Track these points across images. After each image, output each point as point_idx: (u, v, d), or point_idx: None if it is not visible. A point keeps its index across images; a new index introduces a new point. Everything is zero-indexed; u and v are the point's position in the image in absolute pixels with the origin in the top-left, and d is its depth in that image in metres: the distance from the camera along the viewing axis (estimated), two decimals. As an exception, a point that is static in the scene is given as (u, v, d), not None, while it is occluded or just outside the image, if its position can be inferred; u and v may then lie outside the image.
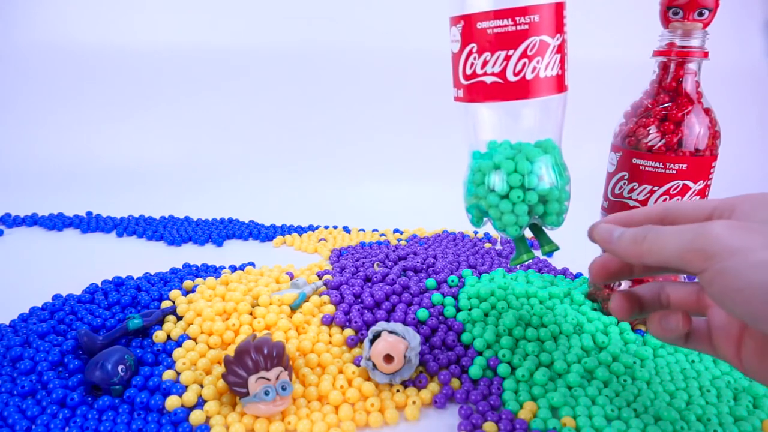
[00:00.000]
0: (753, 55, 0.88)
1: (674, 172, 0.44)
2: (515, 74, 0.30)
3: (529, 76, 0.30)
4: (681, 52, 0.43)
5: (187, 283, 0.47)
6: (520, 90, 0.31)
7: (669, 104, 0.44)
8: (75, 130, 0.92)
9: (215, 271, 0.53)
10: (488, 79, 0.31)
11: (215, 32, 0.93)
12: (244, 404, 0.32)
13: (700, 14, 0.42)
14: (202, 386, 0.35)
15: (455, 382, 0.37)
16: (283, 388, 0.32)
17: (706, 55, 0.43)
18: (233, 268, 0.54)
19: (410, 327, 0.40)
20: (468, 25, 0.30)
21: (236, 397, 0.34)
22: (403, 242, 0.64)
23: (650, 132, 0.44)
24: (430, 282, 0.47)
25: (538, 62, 0.30)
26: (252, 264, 0.55)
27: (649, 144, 0.44)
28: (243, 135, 0.94)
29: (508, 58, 0.30)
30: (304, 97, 0.93)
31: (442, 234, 0.67)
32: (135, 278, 0.50)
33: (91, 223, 0.68)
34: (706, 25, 0.42)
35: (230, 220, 0.72)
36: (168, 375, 0.36)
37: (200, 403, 0.34)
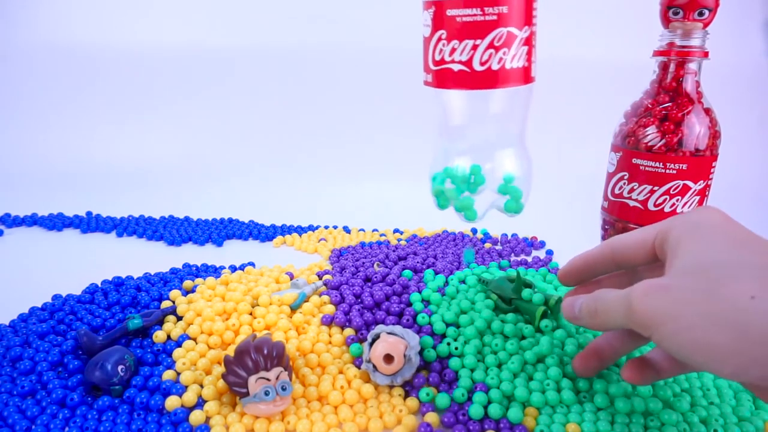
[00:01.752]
0: (753, 55, 0.88)
1: (674, 172, 0.44)
2: (482, 64, 0.30)
3: (495, 67, 0.30)
4: (681, 52, 0.43)
5: (187, 283, 0.47)
6: (486, 79, 0.31)
7: (669, 104, 0.44)
8: (75, 130, 0.92)
9: (215, 271, 0.53)
10: (455, 67, 0.31)
11: (214, 32, 0.93)
12: (244, 404, 0.32)
13: (701, 14, 0.42)
14: (202, 386, 0.35)
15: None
16: (283, 389, 0.32)
17: (706, 55, 0.43)
18: (233, 268, 0.54)
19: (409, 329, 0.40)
20: (438, 11, 0.31)
21: (236, 397, 0.34)
22: (403, 242, 0.64)
23: (650, 132, 0.44)
24: (428, 274, 0.47)
25: (504, 53, 0.30)
26: (252, 264, 0.55)
27: (649, 144, 0.44)
28: (243, 135, 0.94)
29: (475, 47, 0.30)
30: (304, 96, 0.93)
31: (442, 234, 0.67)
32: (135, 278, 0.50)
33: (91, 223, 0.68)
34: (706, 25, 0.42)
35: (230, 220, 0.72)
36: (168, 375, 0.36)
37: (200, 403, 0.34)
